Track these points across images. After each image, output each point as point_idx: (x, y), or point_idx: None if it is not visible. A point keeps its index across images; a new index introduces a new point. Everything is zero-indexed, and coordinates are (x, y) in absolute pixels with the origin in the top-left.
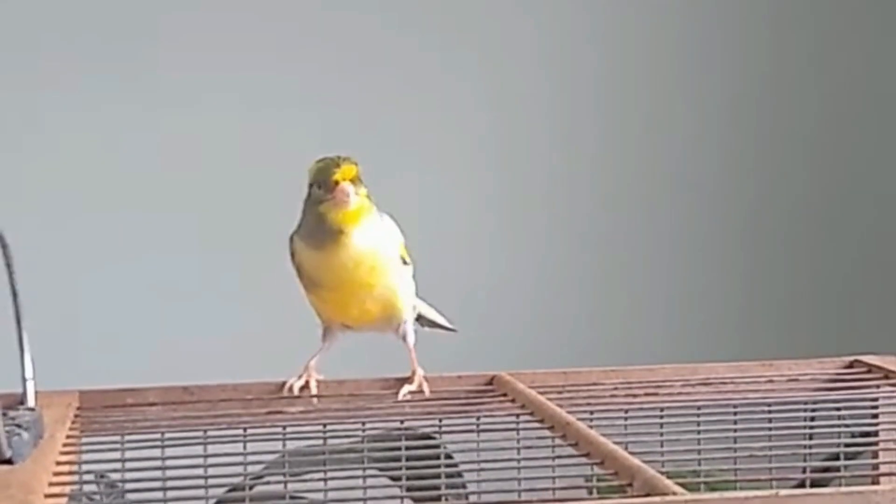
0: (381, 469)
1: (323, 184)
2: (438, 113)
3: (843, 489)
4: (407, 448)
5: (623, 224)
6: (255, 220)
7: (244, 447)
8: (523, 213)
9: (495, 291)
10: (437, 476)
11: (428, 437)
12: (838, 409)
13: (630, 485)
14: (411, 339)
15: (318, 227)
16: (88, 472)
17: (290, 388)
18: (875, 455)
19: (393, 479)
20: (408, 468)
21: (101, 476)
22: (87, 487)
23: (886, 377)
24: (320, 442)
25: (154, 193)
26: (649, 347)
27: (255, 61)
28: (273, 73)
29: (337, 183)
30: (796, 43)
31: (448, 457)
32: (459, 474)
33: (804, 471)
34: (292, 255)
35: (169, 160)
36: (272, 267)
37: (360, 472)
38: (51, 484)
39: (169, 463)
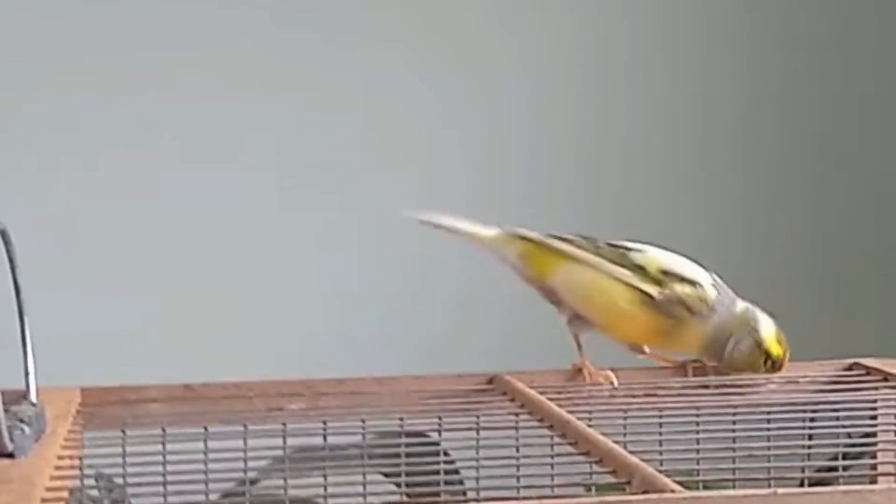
0: (380, 467)
1: (769, 358)
2: (434, 109)
3: (841, 488)
4: (406, 446)
5: (618, 223)
6: (255, 218)
7: (245, 443)
8: (522, 213)
9: (496, 290)
10: (436, 474)
11: (423, 434)
12: (837, 411)
13: (629, 483)
14: None
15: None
16: (90, 466)
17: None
18: (874, 457)
19: (388, 476)
20: (406, 465)
21: (100, 476)
22: (87, 482)
23: (885, 379)
24: (321, 440)
25: (157, 187)
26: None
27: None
28: (271, 75)
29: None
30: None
31: (446, 454)
32: (457, 471)
33: (803, 472)
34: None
35: (168, 156)
36: (275, 264)
37: (361, 471)
38: (52, 478)
39: (170, 458)
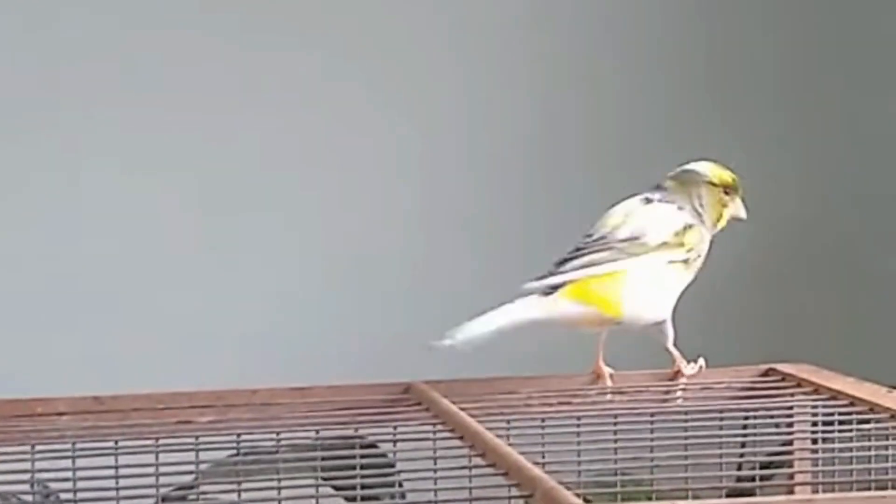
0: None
1: (732, 192)
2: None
3: (760, 500)
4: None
5: (538, 233)
6: (164, 225)
7: (156, 458)
8: (423, 226)
9: (413, 296)
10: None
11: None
12: (753, 417)
13: (532, 495)
14: None
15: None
16: None
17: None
18: (790, 465)
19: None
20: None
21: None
22: None
23: (799, 385)
24: (234, 452)
25: (44, 196)
26: (563, 356)
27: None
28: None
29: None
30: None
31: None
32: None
33: (721, 481)
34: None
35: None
36: (182, 270)
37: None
38: None
39: (80, 474)
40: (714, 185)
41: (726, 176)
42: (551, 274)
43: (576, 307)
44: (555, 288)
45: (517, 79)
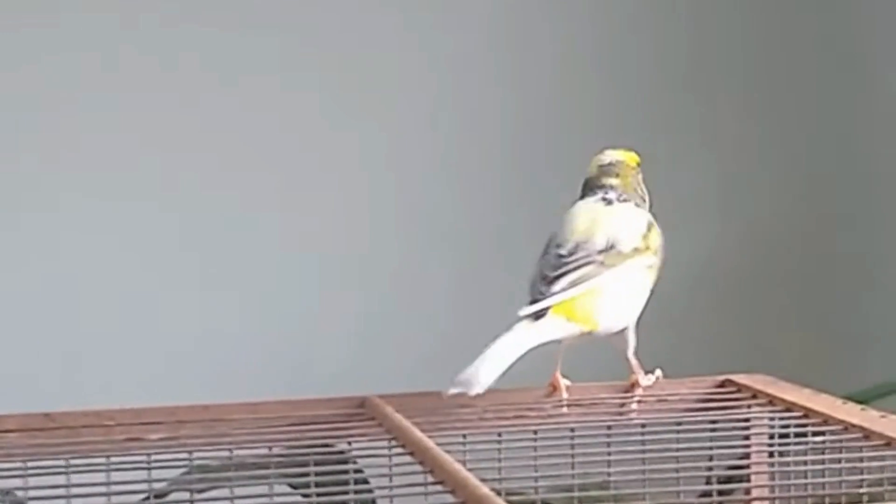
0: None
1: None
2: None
3: None
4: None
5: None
6: (91, 241)
7: (108, 476)
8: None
9: (381, 307)
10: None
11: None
12: (711, 431)
13: None
14: None
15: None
16: None
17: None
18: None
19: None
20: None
21: None
22: None
23: (755, 397)
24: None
25: None
26: (520, 368)
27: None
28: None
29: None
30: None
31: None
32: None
33: (678, 497)
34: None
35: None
36: (130, 286)
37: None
38: None
39: (32, 493)
40: (636, 169)
41: (635, 156)
42: (542, 295)
43: (563, 325)
44: (546, 310)
45: (492, 82)
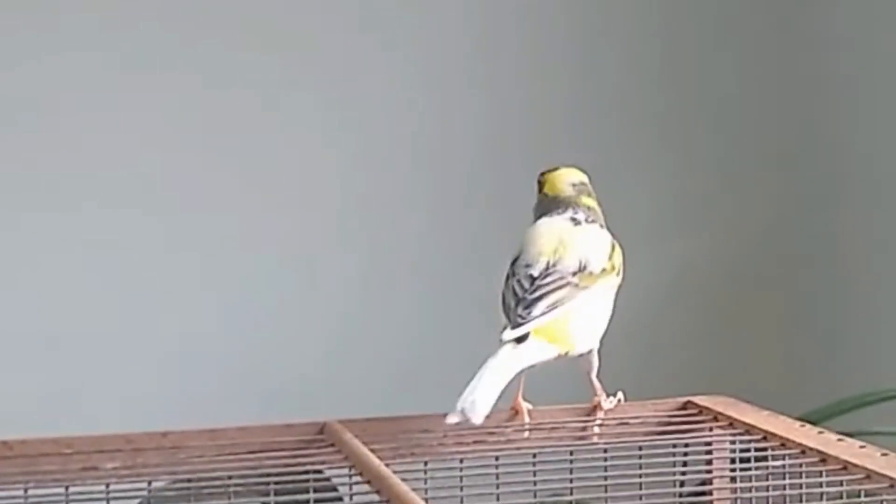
0: None
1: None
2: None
3: None
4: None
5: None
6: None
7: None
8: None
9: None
10: None
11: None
12: (672, 455)
13: None
14: None
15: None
16: None
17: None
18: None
19: None
20: None
21: None
22: None
23: (716, 419)
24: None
25: None
26: None
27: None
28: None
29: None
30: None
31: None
32: None
33: None
34: None
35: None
36: (87, 308)
37: None
38: None
39: None
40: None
41: (583, 175)
42: (522, 319)
43: (544, 348)
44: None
45: (464, 92)
